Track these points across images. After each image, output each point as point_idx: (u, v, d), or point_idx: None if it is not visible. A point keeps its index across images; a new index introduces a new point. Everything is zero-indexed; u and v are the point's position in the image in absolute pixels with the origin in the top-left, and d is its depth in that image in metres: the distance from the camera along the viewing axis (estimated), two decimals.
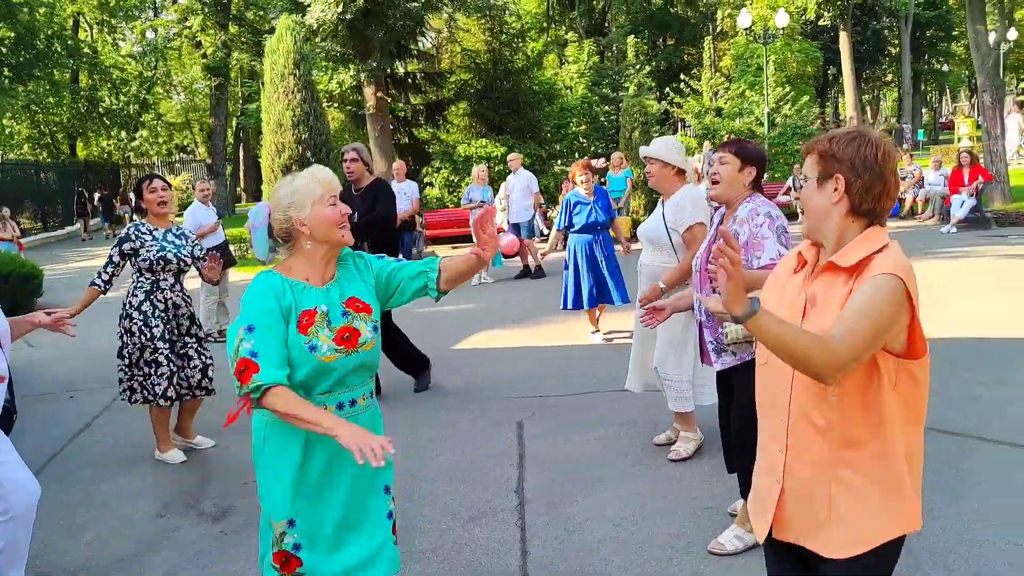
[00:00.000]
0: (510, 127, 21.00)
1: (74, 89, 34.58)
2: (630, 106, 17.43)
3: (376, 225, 6.44)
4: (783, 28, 24.86)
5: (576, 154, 22.02)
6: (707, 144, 25.72)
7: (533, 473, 4.91)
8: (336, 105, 22.62)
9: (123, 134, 37.41)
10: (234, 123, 41.25)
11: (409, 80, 21.16)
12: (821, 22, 37.59)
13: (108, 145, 39.18)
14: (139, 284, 5.27)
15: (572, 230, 8.08)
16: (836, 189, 2.08)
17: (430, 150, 20.92)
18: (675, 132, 34.01)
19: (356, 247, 2.77)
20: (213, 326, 9.53)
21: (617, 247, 8.30)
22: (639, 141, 17.06)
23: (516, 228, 12.87)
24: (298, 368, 2.45)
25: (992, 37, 19.26)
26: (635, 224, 11.74)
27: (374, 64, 17.67)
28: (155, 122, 41.20)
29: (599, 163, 14.31)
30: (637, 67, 27.77)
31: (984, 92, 18.31)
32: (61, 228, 29.20)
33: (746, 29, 23.29)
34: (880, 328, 1.93)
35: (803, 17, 37.75)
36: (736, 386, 3.67)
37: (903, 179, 18.33)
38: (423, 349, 6.90)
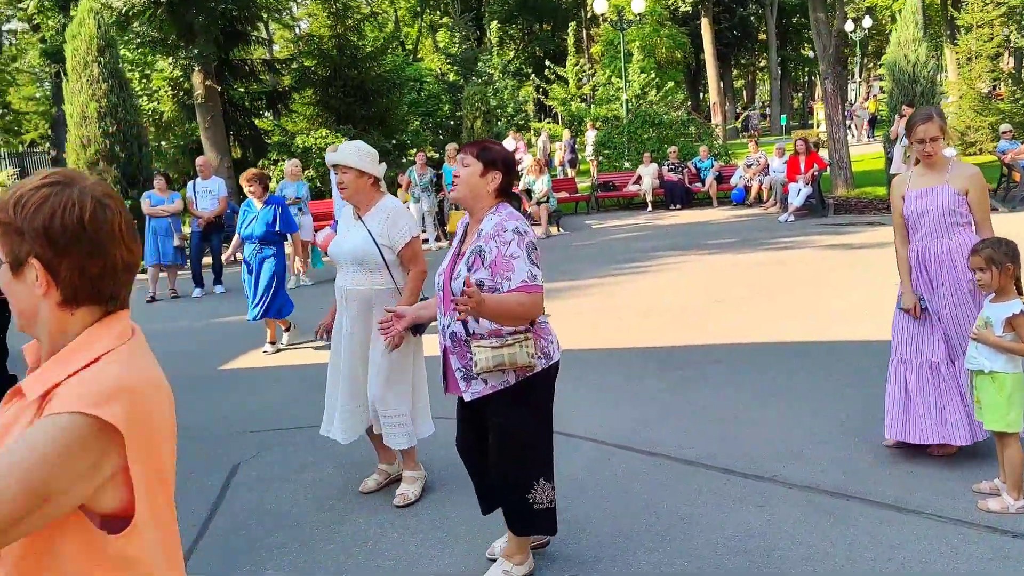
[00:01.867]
0: (359, 116, 20.02)
1: None
2: (471, 95, 16.77)
3: None
4: (641, 14, 24.69)
5: (454, 138, 21.10)
6: (567, 132, 25.46)
7: (212, 539, 4.18)
8: (172, 94, 21.19)
9: None
10: None
11: (246, 67, 19.91)
12: (683, 8, 37.84)
13: None
14: None
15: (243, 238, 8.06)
16: (37, 278, 1.44)
17: (268, 141, 19.76)
18: (542, 120, 33.69)
19: None
20: None
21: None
22: (481, 131, 16.47)
23: (335, 226, 12.09)
24: None
25: (841, 24, 19.44)
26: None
27: (195, 51, 16.43)
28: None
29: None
30: (510, 55, 27.21)
31: (826, 79, 18.36)
32: None
33: (602, 15, 23.02)
34: (37, 488, 1.29)
35: (670, 3, 37.99)
36: (491, 417, 3.35)
37: (749, 166, 18.26)
38: (190, 370, 6.11)
